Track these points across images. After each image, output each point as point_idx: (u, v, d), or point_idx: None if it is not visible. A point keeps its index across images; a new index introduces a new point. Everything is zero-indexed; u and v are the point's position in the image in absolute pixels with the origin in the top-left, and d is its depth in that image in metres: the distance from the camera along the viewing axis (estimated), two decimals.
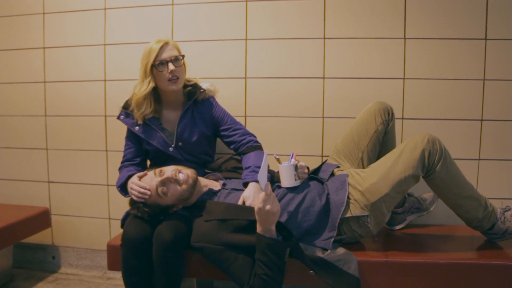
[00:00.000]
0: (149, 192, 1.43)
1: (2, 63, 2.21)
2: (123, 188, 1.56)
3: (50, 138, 2.19)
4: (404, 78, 1.86)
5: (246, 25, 1.94)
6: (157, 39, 1.59)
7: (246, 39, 1.95)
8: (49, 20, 2.12)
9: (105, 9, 2.06)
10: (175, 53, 1.59)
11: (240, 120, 1.92)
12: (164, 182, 1.42)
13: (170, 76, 1.56)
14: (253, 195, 1.43)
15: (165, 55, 1.55)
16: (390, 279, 1.38)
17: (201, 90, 1.66)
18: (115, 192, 2.10)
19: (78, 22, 2.09)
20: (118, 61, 2.06)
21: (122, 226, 1.57)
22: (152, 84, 1.56)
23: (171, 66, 1.55)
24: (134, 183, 1.46)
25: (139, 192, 1.44)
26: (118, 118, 1.67)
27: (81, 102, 2.13)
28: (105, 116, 2.10)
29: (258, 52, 1.94)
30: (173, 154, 1.62)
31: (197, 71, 1.92)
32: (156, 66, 1.55)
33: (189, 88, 1.66)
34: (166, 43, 1.57)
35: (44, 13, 2.13)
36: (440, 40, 1.83)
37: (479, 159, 1.85)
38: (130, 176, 1.53)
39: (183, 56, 1.61)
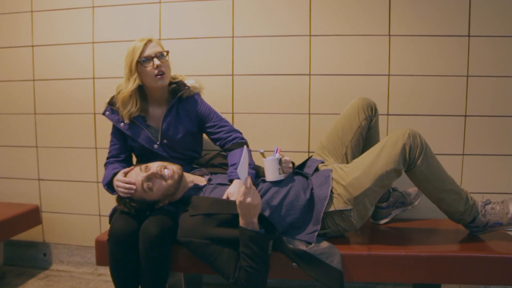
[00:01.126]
0: (134, 187, 1.44)
1: None
2: (109, 186, 1.57)
3: (40, 136, 2.20)
4: (389, 75, 1.88)
5: (233, 23, 1.96)
6: (140, 37, 1.59)
7: (233, 37, 1.96)
8: (38, 18, 2.13)
9: (93, 7, 2.07)
10: (159, 49, 1.60)
11: (227, 116, 1.94)
12: (149, 178, 1.44)
13: (157, 71, 1.56)
14: (237, 191, 1.44)
15: (150, 51, 1.56)
16: (373, 271, 1.41)
17: (186, 87, 1.66)
18: (104, 189, 2.13)
19: (66, 20, 2.10)
20: (106, 59, 2.07)
21: (110, 222, 1.58)
22: (138, 81, 1.57)
23: (156, 61, 1.56)
24: (120, 180, 1.48)
25: (125, 188, 1.45)
26: (104, 114, 1.67)
27: (71, 99, 2.14)
28: (94, 113, 2.11)
29: (245, 49, 1.96)
30: (158, 151, 1.63)
31: (184, 69, 1.93)
32: (141, 62, 1.56)
33: (174, 85, 1.66)
34: (149, 41, 1.58)
35: (32, 11, 2.13)
36: (424, 37, 1.86)
37: (463, 154, 1.88)
38: (115, 174, 1.54)
39: (167, 52, 1.62)
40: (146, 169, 1.45)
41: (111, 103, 1.66)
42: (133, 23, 2.04)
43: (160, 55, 1.58)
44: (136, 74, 1.57)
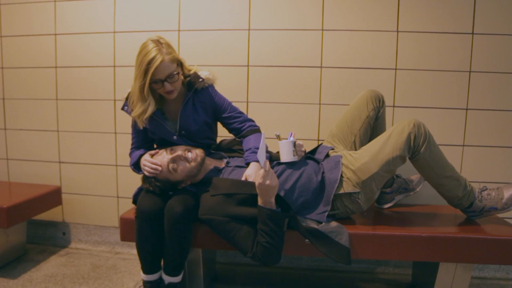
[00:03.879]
0: (160, 168, 1.55)
1: (16, 49, 2.30)
2: (136, 166, 1.68)
3: (61, 120, 2.30)
4: (396, 69, 1.99)
5: (249, 16, 2.05)
6: (154, 50, 1.48)
7: (249, 29, 2.06)
8: (61, 7, 2.22)
9: None
10: (172, 69, 1.52)
11: (242, 105, 2.05)
12: (174, 159, 1.55)
13: (165, 91, 1.56)
14: (254, 173, 1.55)
15: (161, 74, 1.50)
16: (377, 249, 1.53)
17: (200, 80, 1.66)
18: (123, 172, 2.24)
19: (88, 10, 2.19)
20: (127, 47, 2.16)
21: (133, 202, 1.70)
22: (152, 107, 1.57)
23: (168, 87, 1.53)
24: (147, 160, 1.58)
25: (151, 168, 1.56)
26: (122, 109, 1.69)
27: (91, 86, 2.23)
28: (114, 100, 2.21)
29: (260, 41, 2.05)
30: (176, 142, 1.68)
31: (203, 59, 2.04)
32: (151, 84, 1.53)
33: (189, 78, 1.65)
34: (162, 61, 1.48)
35: (55, 1, 2.22)
36: (430, 34, 1.95)
37: (463, 145, 2.00)
38: (142, 155, 1.64)
39: (178, 73, 1.55)
40: (172, 151, 1.56)
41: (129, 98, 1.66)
42: (153, 14, 2.12)
43: (171, 76, 1.52)
44: (149, 99, 1.55)
